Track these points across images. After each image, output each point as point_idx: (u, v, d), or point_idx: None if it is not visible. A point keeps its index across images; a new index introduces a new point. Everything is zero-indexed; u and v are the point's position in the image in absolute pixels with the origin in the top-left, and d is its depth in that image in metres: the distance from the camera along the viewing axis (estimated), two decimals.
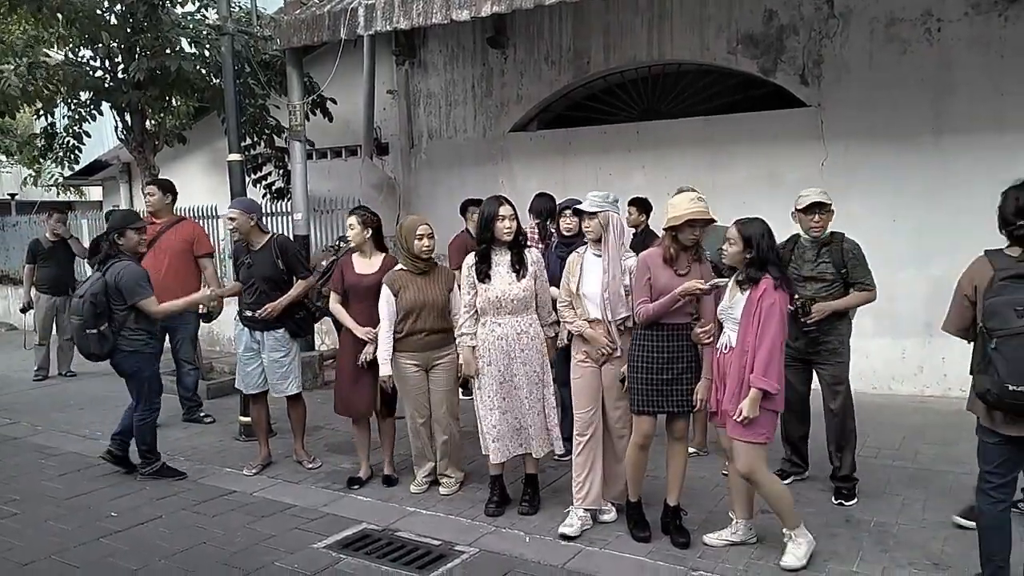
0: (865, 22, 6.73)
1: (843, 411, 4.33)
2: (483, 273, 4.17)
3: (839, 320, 4.27)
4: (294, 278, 5.08)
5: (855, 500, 4.30)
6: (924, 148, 6.43)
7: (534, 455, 4.27)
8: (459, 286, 4.43)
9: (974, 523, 3.48)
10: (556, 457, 4.71)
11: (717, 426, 3.77)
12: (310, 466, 5.18)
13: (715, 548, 3.79)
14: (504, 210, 4.13)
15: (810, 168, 6.90)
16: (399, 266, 4.51)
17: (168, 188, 6.44)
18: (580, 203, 4.06)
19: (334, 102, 8.82)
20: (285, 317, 4.98)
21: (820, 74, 6.95)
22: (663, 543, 3.87)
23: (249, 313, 4.97)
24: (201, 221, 9.87)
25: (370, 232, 4.72)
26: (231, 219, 5.02)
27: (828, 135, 6.89)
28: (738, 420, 3.44)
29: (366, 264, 4.73)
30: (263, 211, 5.52)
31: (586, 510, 4.07)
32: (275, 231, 6.62)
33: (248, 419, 5.66)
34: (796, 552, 3.57)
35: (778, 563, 3.58)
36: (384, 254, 4.77)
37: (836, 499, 4.31)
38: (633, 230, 6.79)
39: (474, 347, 4.22)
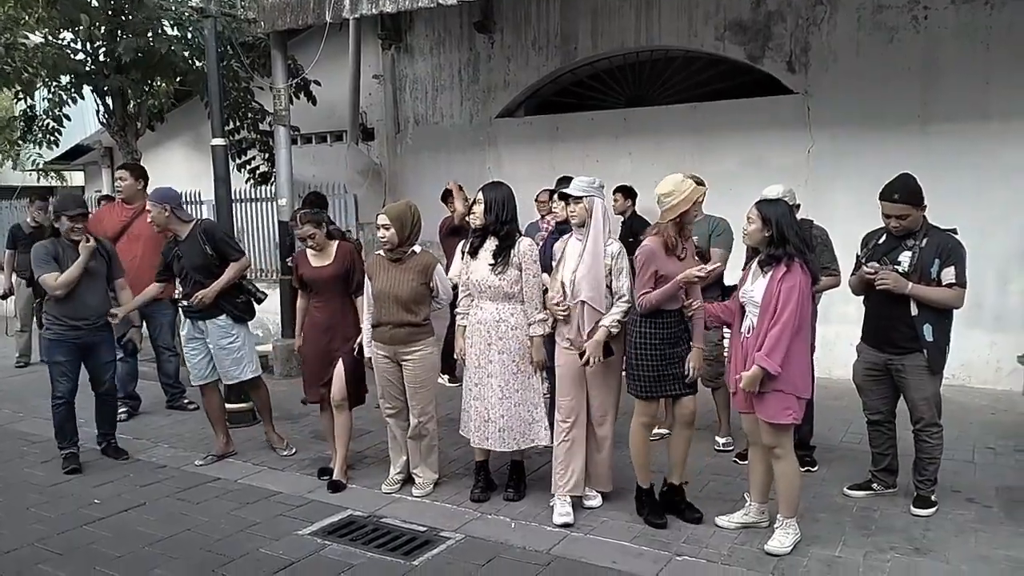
0: (852, 9, 6.72)
1: None
2: (474, 249, 4.18)
3: None
4: (229, 262, 4.93)
5: (816, 467, 4.61)
6: (910, 135, 6.44)
7: (495, 449, 4.17)
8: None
9: (861, 493, 4.19)
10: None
11: (739, 411, 3.79)
12: (284, 453, 5.15)
13: (699, 533, 3.81)
14: (478, 196, 4.18)
15: (797, 155, 6.92)
16: (380, 251, 4.37)
17: (140, 174, 6.34)
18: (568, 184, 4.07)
19: (318, 84, 8.72)
20: (224, 303, 4.90)
21: (807, 61, 6.95)
22: (648, 528, 3.89)
23: (185, 303, 4.92)
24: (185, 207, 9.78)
25: (325, 229, 4.66)
26: (148, 211, 4.92)
27: (815, 122, 6.90)
28: (733, 391, 3.51)
29: (321, 256, 4.62)
30: (182, 200, 5.19)
31: (570, 497, 4.08)
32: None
33: (234, 406, 5.64)
34: (783, 539, 3.60)
35: (761, 547, 3.61)
36: (337, 242, 4.66)
37: (802, 467, 4.34)
38: (620, 217, 6.83)
39: (465, 327, 4.24)
